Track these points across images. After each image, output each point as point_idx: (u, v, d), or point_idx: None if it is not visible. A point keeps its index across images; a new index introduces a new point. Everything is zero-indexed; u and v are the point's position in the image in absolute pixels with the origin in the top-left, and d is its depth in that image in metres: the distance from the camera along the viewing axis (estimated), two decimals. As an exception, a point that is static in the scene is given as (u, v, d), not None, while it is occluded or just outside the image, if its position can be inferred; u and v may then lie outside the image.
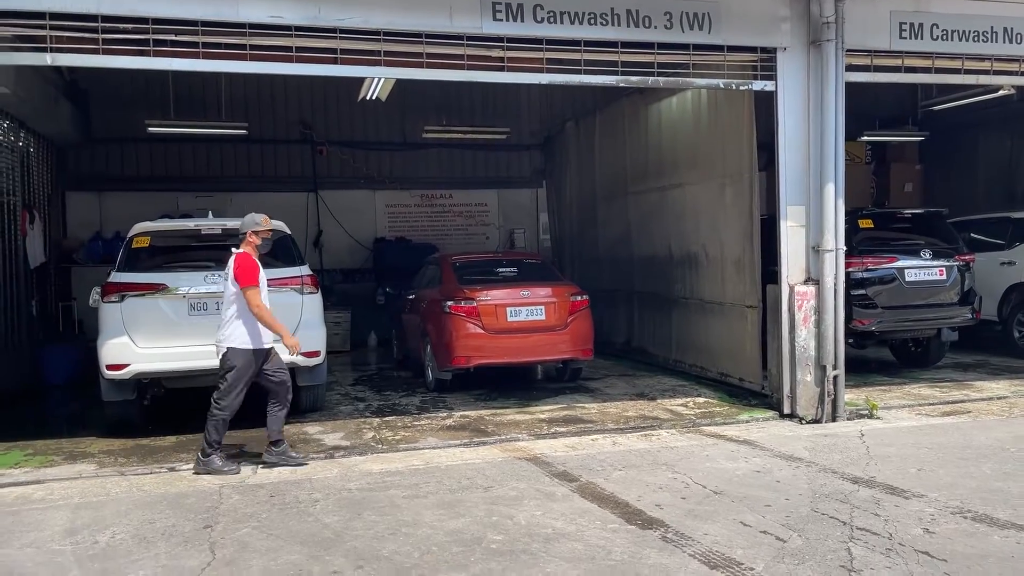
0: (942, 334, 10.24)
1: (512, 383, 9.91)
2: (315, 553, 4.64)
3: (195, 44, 6.52)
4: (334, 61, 6.92)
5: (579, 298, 9.45)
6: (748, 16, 7.75)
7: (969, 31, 8.27)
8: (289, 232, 8.43)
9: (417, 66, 7.10)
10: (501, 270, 10.05)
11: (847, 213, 8.49)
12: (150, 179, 14.38)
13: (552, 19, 7.21)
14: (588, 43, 7.37)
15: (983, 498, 5.34)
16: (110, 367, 7.32)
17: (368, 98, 11.54)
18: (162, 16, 6.39)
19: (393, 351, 12.30)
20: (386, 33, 6.90)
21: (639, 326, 11.72)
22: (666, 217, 10.68)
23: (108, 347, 7.34)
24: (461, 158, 16.14)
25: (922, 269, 9.88)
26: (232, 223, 8.35)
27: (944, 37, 8.22)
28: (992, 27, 8.33)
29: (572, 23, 7.28)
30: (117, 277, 7.57)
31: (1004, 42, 8.38)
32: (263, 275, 6.45)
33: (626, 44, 7.47)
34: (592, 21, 7.33)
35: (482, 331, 9.06)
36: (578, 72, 7.45)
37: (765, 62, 7.92)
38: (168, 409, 8.53)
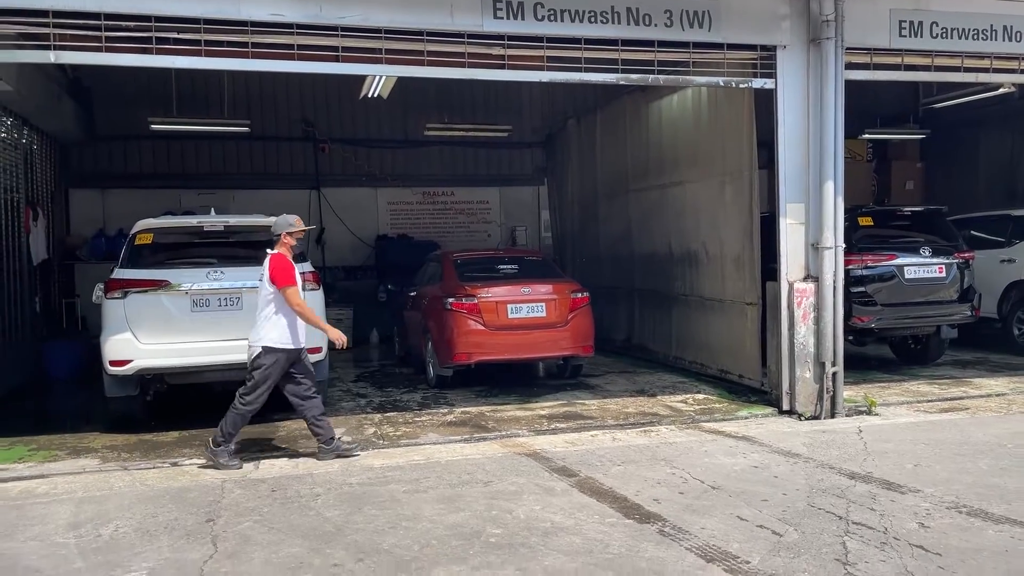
0: (941, 331, 10.27)
1: (513, 380, 9.96)
2: (316, 546, 4.69)
3: (197, 42, 6.56)
4: (335, 59, 6.96)
5: (580, 295, 9.49)
6: (748, 14, 7.78)
7: (968, 29, 8.29)
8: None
9: (418, 64, 7.14)
10: (502, 267, 10.09)
11: (847, 210, 8.53)
12: (153, 176, 14.45)
13: (553, 17, 7.25)
14: (588, 41, 7.40)
15: (979, 493, 5.38)
16: (113, 363, 7.37)
17: (370, 96, 11.59)
18: (164, 14, 6.43)
19: (395, 348, 12.35)
20: (387, 31, 6.94)
21: (639, 323, 11.75)
22: (666, 214, 10.72)
23: (111, 343, 7.39)
24: (463, 155, 16.19)
25: (922, 266, 9.91)
26: (235, 220, 8.43)
27: (944, 35, 8.24)
28: (992, 25, 8.35)
29: (573, 21, 7.31)
30: (120, 273, 7.61)
31: (1004, 40, 8.39)
32: (298, 275, 6.53)
33: (626, 42, 7.50)
34: (592, 19, 7.36)
35: (483, 328, 9.10)
36: (579, 70, 7.48)
37: (765, 60, 7.95)
38: (171, 405, 8.58)
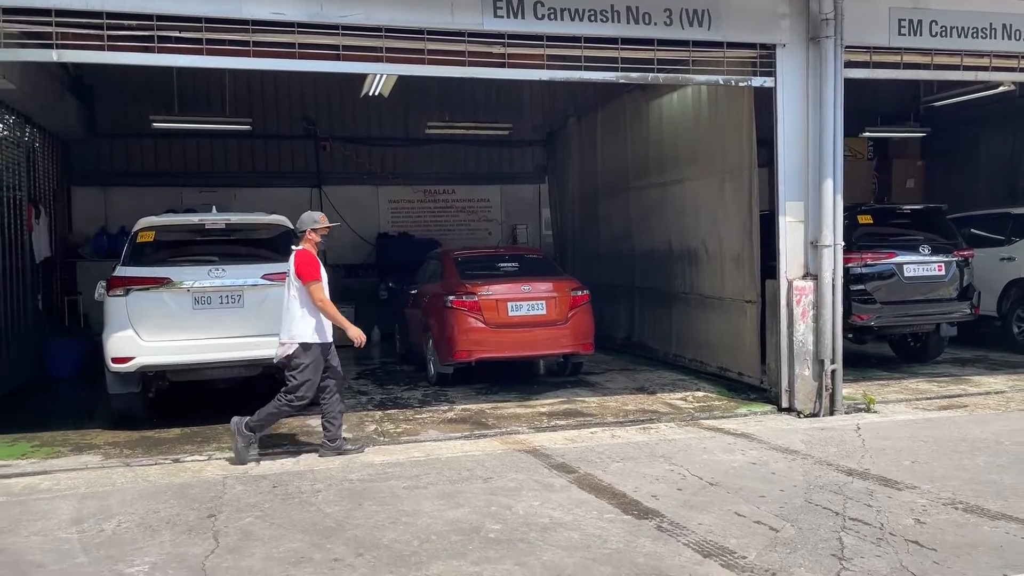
0: (941, 329, 10.30)
1: (513, 377, 9.99)
2: (316, 541, 4.73)
3: (199, 41, 6.60)
4: (336, 58, 6.99)
5: (580, 293, 9.52)
6: (747, 12, 7.80)
7: (968, 27, 8.30)
8: (292, 227, 8.49)
9: (419, 62, 7.17)
10: (502, 265, 10.12)
11: (846, 208, 8.57)
12: (155, 174, 14.50)
13: (552, 16, 7.27)
14: (588, 39, 7.42)
15: (975, 490, 5.41)
16: (115, 360, 7.40)
17: (371, 94, 11.64)
18: (166, 13, 6.46)
19: (396, 346, 12.39)
20: (388, 30, 6.97)
21: (639, 321, 11.79)
22: (666, 213, 10.74)
23: (113, 340, 7.43)
24: (464, 154, 16.22)
25: (921, 265, 9.93)
26: (236, 218, 8.48)
27: (943, 33, 8.26)
28: (991, 23, 8.36)
29: (572, 20, 7.33)
30: (122, 271, 7.65)
31: (1003, 38, 8.41)
32: (324, 270, 6.58)
33: (626, 40, 7.52)
34: (592, 18, 7.38)
35: (483, 325, 9.13)
36: (579, 68, 7.51)
37: (764, 58, 7.97)
38: (173, 402, 8.63)
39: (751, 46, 7.93)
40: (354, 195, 15.46)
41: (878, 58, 8.18)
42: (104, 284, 7.67)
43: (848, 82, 7.94)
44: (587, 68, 7.50)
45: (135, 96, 13.61)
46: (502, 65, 7.34)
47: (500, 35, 7.22)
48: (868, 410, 7.94)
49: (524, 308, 9.27)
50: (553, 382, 9.84)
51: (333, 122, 15.22)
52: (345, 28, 6.87)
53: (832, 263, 7.90)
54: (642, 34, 7.52)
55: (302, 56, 6.90)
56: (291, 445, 7.02)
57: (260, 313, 7.66)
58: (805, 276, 7.99)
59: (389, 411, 8.40)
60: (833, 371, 7.91)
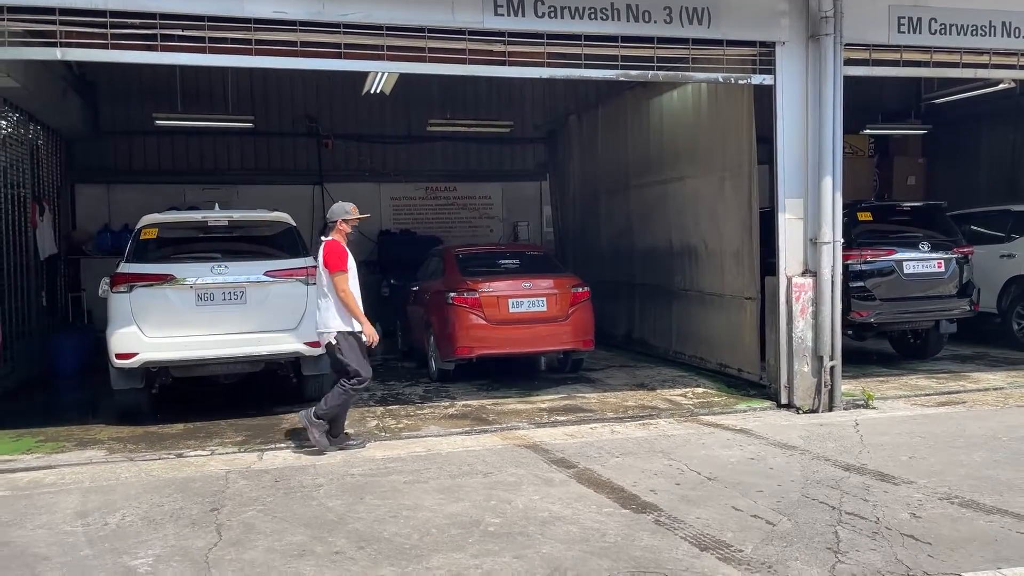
0: (940, 326, 10.32)
1: (514, 373, 10.04)
2: (318, 535, 4.78)
3: (201, 39, 6.65)
4: (338, 56, 7.03)
5: (580, 290, 9.56)
6: (747, 10, 7.83)
7: (967, 25, 8.32)
8: (294, 224, 8.56)
9: (419, 60, 7.22)
10: (503, 262, 10.18)
11: (846, 206, 8.61)
12: (157, 172, 14.56)
13: (553, 14, 7.31)
14: (588, 37, 7.46)
15: (971, 485, 5.45)
16: (119, 356, 7.46)
17: (372, 92, 11.68)
18: (169, 11, 6.52)
19: (398, 342, 12.44)
20: (389, 28, 7.01)
21: (640, 318, 11.83)
22: (667, 210, 10.78)
23: (117, 336, 7.49)
24: (465, 151, 16.26)
25: (920, 261, 9.96)
26: (238, 215, 8.53)
27: (942, 31, 8.28)
28: (991, 21, 8.38)
29: (573, 18, 7.37)
30: (126, 268, 7.71)
31: (1002, 36, 8.43)
32: (352, 261, 6.64)
33: (626, 38, 7.56)
34: (592, 16, 7.42)
35: (484, 322, 9.18)
36: (579, 66, 7.54)
37: (764, 56, 8.00)
38: (176, 398, 8.69)
39: (751, 44, 7.96)
40: (356, 192, 15.38)
41: (877, 56, 8.20)
42: (108, 281, 7.72)
43: (849, 79, 7.97)
44: (587, 66, 7.54)
45: (138, 94, 13.68)
46: (503, 63, 7.39)
47: (500, 33, 7.26)
48: (867, 406, 7.98)
49: (525, 305, 9.31)
50: (554, 378, 9.88)
51: (335, 119, 15.27)
52: (346, 26, 6.92)
53: (831, 260, 7.94)
54: (642, 32, 7.56)
55: (304, 54, 6.95)
56: (293, 440, 7.07)
57: (263, 309, 7.73)
58: (804, 273, 8.03)
59: (391, 407, 8.45)
60: (832, 367, 7.95)
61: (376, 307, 13.59)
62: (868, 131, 15.51)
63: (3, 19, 6.22)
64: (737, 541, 4.54)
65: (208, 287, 7.67)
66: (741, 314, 9.02)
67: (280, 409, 8.22)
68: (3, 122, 10.14)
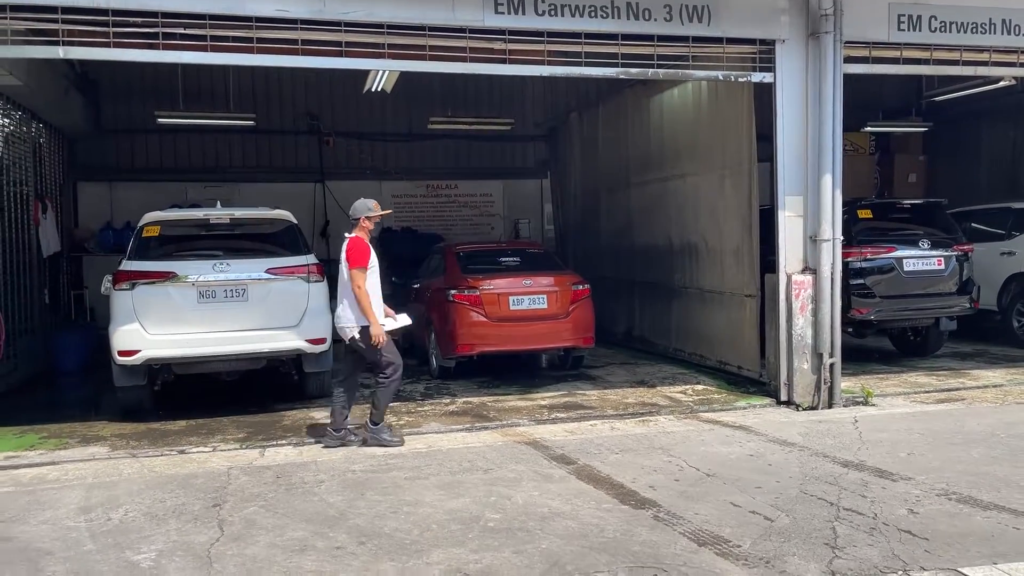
0: (940, 323, 10.34)
1: (514, 371, 10.07)
2: (319, 530, 4.82)
3: (203, 37, 6.68)
4: (339, 54, 7.06)
5: (581, 287, 9.58)
6: (747, 8, 7.84)
7: (967, 23, 8.33)
8: (295, 222, 8.59)
9: (420, 58, 7.24)
10: (504, 259, 10.19)
11: (846, 203, 8.62)
12: (159, 170, 14.61)
13: (553, 12, 7.33)
14: (589, 35, 7.48)
15: (969, 481, 5.48)
16: (121, 353, 7.50)
17: (373, 90, 11.69)
18: (171, 10, 6.55)
19: (399, 339, 12.46)
20: (390, 26, 7.04)
21: (640, 315, 11.85)
22: (667, 207, 10.80)
23: (119, 334, 7.52)
24: (466, 149, 16.29)
25: (920, 259, 9.98)
26: (240, 212, 8.56)
27: (942, 29, 8.29)
28: (991, 19, 8.39)
29: (573, 16, 7.39)
30: (128, 265, 7.75)
31: (1003, 34, 8.43)
32: (374, 259, 6.70)
33: (626, 36, 7.58)
34: (592, 14, 7.43)
35: (485, 319, 9.21)
36: (579, 64, 7.57)
37: (764, 54, 8.01)
38: (178, 395, 8.73)
39: (751, 42, 7.98)
40: (357, 190, 15.34)
41: (877, 53, 8.21)
42: (110, 278, 7.76)
43: (849, 77, 7.99)
44: (587, 64, 7.57)
45: (140, 92, 13.72)
46: (503, 61, 7.41)
47: (501, 31, 7.28)
48: (866, 403, 8.01)
49: (525, 302, 9.33)
50: (554, 375, 9.91)
51: (336, 117, 15.30)
52: (347, 25, 6.95)
53: (831, 257, 7.96)
54: (642, 30, 7.57)
55: (305, 52, 6.98)
56: (294, 437, 7.11)
57: (264, 307, 7.77)
58: (804, 270, 8.05)
59: (392, 404, 8.46)
60: (831, 364, 7.97)
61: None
62: (869, 128, 15.53)
63: (5, 18, 6.25)
64: (735, 537, 4.57)
65: (210, 284, 7.71)
66: (741, 311, 9.04)
67: (281, 406, 8.26)
68: (6, 120, 10.18)
